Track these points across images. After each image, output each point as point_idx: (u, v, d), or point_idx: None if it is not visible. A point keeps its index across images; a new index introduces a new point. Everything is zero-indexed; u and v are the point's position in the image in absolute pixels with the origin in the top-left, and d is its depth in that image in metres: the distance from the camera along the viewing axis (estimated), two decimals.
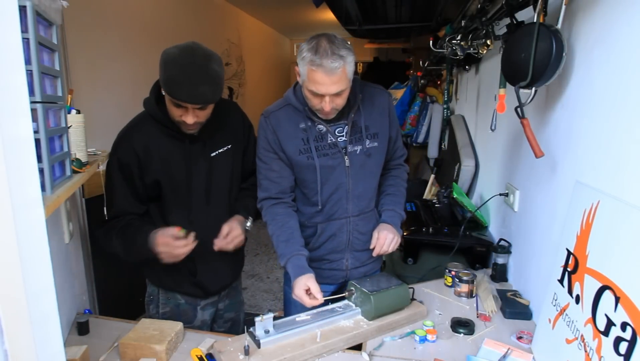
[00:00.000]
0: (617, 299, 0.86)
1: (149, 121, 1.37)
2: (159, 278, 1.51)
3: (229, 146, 1.49)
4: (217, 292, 1.60)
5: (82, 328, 1.35)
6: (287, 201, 1.45)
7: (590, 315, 0.95)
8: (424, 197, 2.85)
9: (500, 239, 1.74)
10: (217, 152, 1.45)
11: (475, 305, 1.50)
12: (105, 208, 1.43)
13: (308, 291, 1.29)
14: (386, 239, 1.43)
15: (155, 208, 1.46)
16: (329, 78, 1.23)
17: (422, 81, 4.60)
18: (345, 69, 1.24)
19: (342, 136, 1.42)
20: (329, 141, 1.40)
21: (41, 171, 0.89)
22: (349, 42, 1.28)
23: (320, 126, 1.40)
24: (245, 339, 1.21)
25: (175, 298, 1.54)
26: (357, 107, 1.42)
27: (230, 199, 1.53)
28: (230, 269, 1.62)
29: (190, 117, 1.28)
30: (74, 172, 1.14)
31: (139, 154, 1.35)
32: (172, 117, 1.33)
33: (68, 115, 1.13)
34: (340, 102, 1.32)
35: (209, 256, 1.46)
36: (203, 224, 1.44)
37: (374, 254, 1.46)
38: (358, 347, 1.28)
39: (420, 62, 4.23)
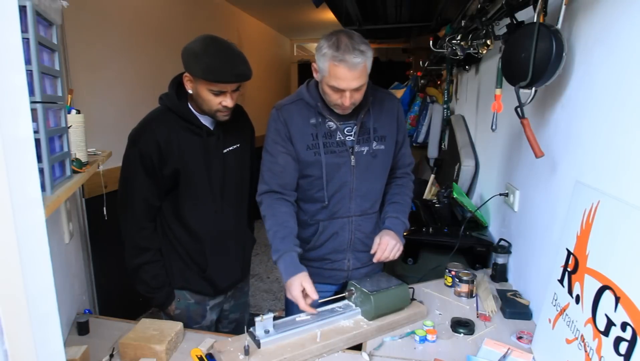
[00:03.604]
0: (617, 300, 0.86)
1: (168, 115, 1.42)
2: (168, 277, 1.52)
3: (238, 145, 1.53)
4: (225, 290, 1.61)
5: (82, 328, 1.35)
6: (289, 200, 1.44)
7: (590, 315, 0.95)
8: (424, 197, 2.84)
9: (500, 239, 1.74)
10: (228, 149, 1.50)
11: (475, 305, 1.50)
12: (119, 203, 1.45)
13: (304, 292, 1.29)
14: (388, 245, 1.42)
15: (166, 202, 1.48)
16: (351, 73, 1.25)
17: (422, 81, 4.60)
18: (366, 64, 1.27)
19: (351, 135, 1.43)
20: (337, 139, 1.41)
21: (41, 171, 0.89)
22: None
23: (331, 123, 1.40)
24: (245, 339, 1.21)
25: (185, 298, 1.55)
26: (367, 110, 1.43)
27: (238, 198, 1.56)
28: (239, 266, 1.63)
29: (230, 100, 1.36)
30: (74, 172, 1.14)
31: (161, 145, 1.38)
32: (209, 109, 1.37)
33: (68, 115, 1.13)
34: (359, 97, 1.33)
35: (219, 251, 1.51)
36: (215, 218, 1.49)
37: (375, 260, 1.44)
38: (358, 347, 1.28)
39: (420, 62, 4.22)
